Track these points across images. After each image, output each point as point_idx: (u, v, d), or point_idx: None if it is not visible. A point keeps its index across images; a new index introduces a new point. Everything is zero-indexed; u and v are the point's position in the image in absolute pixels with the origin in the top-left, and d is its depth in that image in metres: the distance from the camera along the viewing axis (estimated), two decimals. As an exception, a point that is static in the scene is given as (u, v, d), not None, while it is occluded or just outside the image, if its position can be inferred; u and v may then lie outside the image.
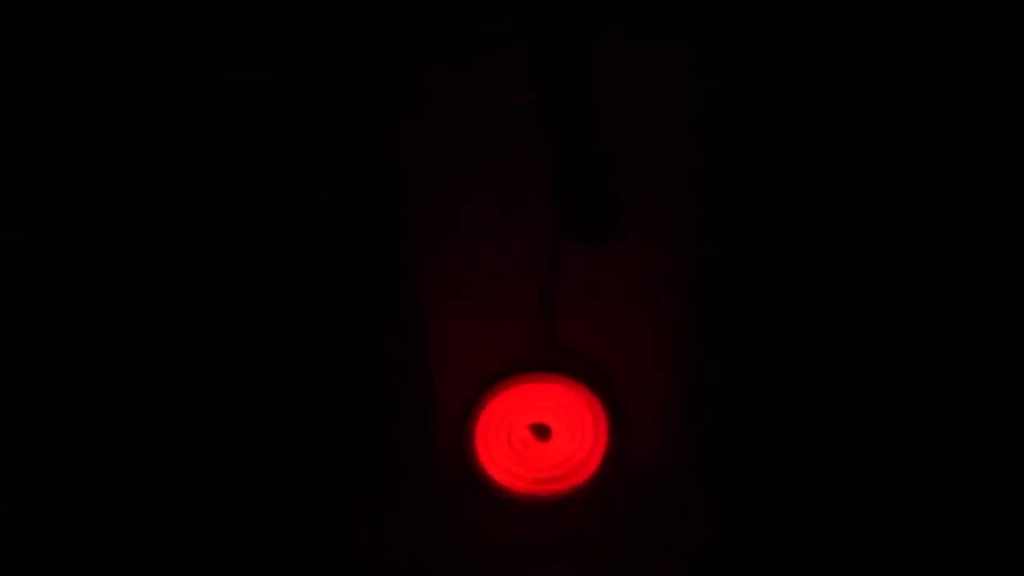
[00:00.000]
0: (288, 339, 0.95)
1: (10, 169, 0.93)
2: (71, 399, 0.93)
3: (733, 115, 0.97)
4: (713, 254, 0.99)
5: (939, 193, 0.95)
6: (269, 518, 0.94)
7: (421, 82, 0.96)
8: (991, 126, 0.93)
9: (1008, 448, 0.93)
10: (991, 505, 0.93)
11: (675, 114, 0.97)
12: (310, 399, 0.96)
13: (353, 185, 0.97)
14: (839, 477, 0.96)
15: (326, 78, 0.96)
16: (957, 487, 0.94)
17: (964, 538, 0.93)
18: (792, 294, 0.98)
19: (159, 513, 0.93)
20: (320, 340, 0.96)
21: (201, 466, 0.94)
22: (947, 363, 0.96)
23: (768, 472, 0.97)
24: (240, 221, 0.95)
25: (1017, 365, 0.94)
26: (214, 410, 0.95)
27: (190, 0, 0.94)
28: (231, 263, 0.96)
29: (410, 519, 0.96)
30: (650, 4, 0.97)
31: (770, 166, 0.97)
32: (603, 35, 0.94)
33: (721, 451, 0.99)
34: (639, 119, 0.97)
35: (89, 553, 0.91)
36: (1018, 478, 0.93)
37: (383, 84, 0.96)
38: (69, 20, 0.92)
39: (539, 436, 0.99)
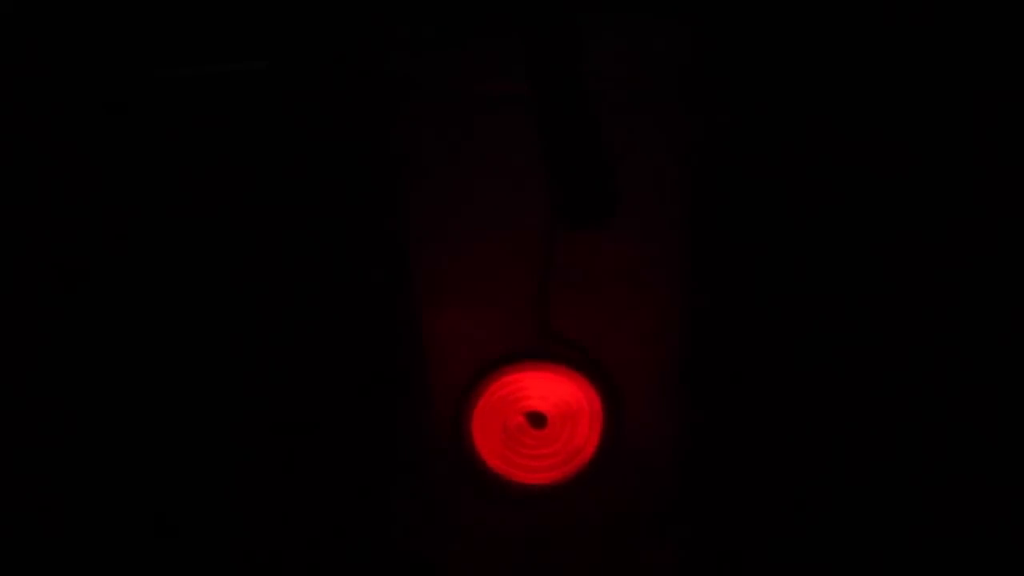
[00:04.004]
0: (282, 331, 0.96)
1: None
2: (66, 400, 0.95)
3: (729, 103, 0.95)
4: (709, 242, 0.98)
5: (937, 190, 0.94)
6: (265, 509, 0.95)
7: (415, 73, 0.96)
8: (991, 127, 0.91)
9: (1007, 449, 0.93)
10: (989, 505, 0.93)
11: (670, 102, 0.96)
12: (304, 390, 0.97)
13: (347, 176, 0.97)
14: (834, 467, 0.96)
15: (319, 69, 0.95)
16: (952, 482, 0.94)
17: (961, 536, 0.93)
18: (788, 283, 0.97)
19: (154, 511, 0.95)
20: (314, 331, 0.97)
21: (194, 460, 0.96)
22: (944, 356, 0.95)
23: (763, 460, 0.98)
24: (231, 215, 0.96)
25: (1015, 367, 0.93)
26: (207, 404, 0.96)
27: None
28: (223, 257, 0.96)
29: (406, 508, 0.97)
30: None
31: (766, 155, 0.96)
32: (597, 23, 0.93)
33: (716, 439, 0.99)
34: (634, 107, 0.95)
35: (89, 552, 0.93)
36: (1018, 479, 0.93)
37: (377, 75, 0.96)
38: (48, 12, 0.92)
39: (535, 424, 1.00)
